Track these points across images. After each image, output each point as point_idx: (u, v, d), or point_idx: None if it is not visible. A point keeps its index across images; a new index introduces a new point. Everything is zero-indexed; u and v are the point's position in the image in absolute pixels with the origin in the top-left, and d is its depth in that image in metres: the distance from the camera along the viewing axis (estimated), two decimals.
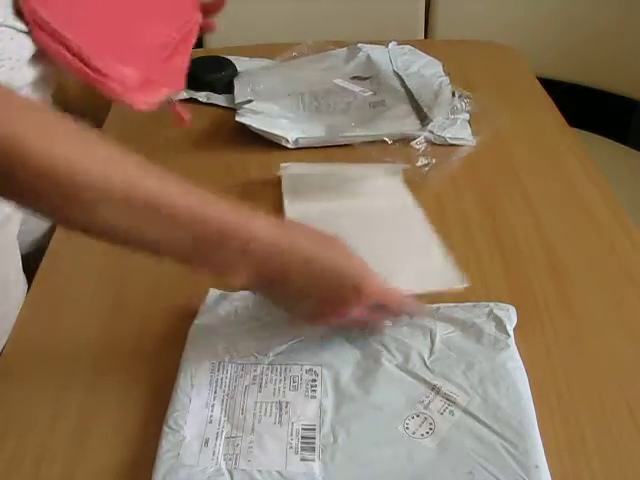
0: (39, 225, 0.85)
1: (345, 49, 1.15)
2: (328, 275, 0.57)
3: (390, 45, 1.16)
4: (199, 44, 1.48)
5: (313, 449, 0.55)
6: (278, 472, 0.53)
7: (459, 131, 0.96)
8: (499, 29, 1.45)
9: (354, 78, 1.08)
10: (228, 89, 1.06)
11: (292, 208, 0.81)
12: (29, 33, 0.62)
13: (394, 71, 1.09)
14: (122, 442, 0.58)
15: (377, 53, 1.13)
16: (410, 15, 1.48)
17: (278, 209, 0.82)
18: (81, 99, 1.50)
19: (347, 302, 0.58)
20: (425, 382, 0.59)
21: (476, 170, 0.90)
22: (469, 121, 0.98)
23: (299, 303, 0.59)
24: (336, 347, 0.63)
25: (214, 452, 0.55)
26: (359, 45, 1.14)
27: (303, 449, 0.55)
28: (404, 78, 1.07)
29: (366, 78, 1.08)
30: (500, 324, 0.64)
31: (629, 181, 1.27)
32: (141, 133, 0.98)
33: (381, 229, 0.78)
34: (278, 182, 0.86)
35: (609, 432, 0.57)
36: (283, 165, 0.86)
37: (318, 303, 0.58)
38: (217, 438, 0.56)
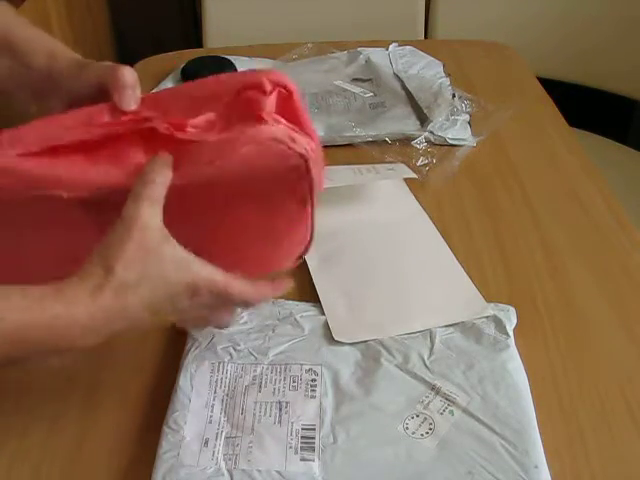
0: None
1: (346, 52, 1.15)
2: (161, 301, 0.51)
3: (390, 47, 1.16)
4: (199, 44, 1.49)
5: (313, 449, 0.55)
6: (278, 472, 0.53)
7: (459, 132, 0.96)
8: (499, 29, 1.45)
9: (354, 80, 1.08)
10: None
11: None
12: None
13: (394, 73, 1.09)
14: (122, 442, 0.58)
15: (377, 55, 1.13)
16: (410, 15, 1.47)
17: None
18: None
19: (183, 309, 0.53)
20: (425, 382, 0.59)
21: (476, 170, 0.90)
22: (469, 122, 0.98)
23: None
24: (336, 347, 0.63)
25: (214, 452, 0.55)
26: (359, 49, 1.15)
27: (303, 449, 0.55)
28: (404, 80, 1.07)
29: (366, 80, 1.08)
30: (500, 325, 0.64)
31: (629, 181, 1.27)
32: None
33: (400, 247, 0.77)
34: None
35: (609, 432, 0.57)
36: None
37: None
38: (217, 438, 0.56)
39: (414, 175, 0.85)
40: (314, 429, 0.56)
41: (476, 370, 0.60)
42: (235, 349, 0.62)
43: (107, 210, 0.51)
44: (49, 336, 0.47)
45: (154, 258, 0.49)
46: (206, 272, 0.52)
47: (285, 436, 0.56)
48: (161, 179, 0.51)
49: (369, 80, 1.08)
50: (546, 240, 0.78)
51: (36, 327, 0.46)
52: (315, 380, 0.60)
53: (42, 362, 0.50)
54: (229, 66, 1.09)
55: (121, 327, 0.50)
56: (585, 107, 1.46)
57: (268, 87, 0.54)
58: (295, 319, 0.66)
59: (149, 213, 0.50)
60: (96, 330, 0.49)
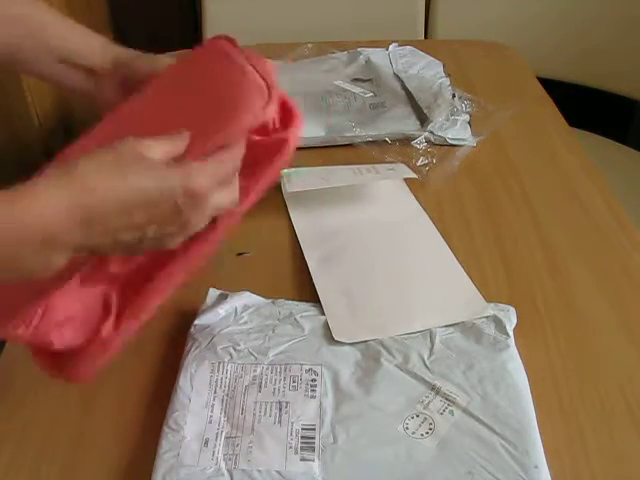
0: None
1: (345, 53, 1.15)
2: (148, 204, 0.46)
3: (390, 47, 1.16)
4: (199, 44, 1.49)
5: (313, 449, 0.55)
6: (278, 472, 0.53)
7: (459, 132, 0.96)
8: (499, 29, 1.45)
9: (355, 80, 1.08)
10: None
11: (300, 222, 0.81)
12: None
13: (394, 73, 1.09)
14: (122, 442, 0.58)
15: (377, 56, 1.13)
16: (410, 15, 1.47)
17: (281, 209, 0.82)
18: (81, 99, 1.50)
19: (187, 214, 0.48)
20: (425, 382, 0.59)
21: (476, 170, 0.90)
22: (469, 122, 0.98)
23: (141, 246, 0.49)
24: (336, 347, 0.63)
25: (214, 452, 0.55)
26: (359, 49, 1.15)
27: (303, 449, 0.55)
28: (404, 80, 1.07)
29: (366, 80, 1.08)
30: (500, 325, 0.64)
31: (629, 181, 1.27)
32: None
33: (400, 247, 0.77)
34: (279, 184, 0.85)
35: (609, 432, 0.57)
36: (284, 171, 0.86)
37: (161, 238, 0.49)
38: (217, 438, 0.56)
39: (414, 175, 0.85)
40: (314, 429, 0.56)
41: (476, 370, 0.60)
42: (235, 349, 0.62)
43: None
44: (23, 236, 0.43)
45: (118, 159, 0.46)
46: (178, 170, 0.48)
47: (285, 436, 0.56)
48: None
49: (369, 80, 1.08)
50: (546, 240, 0.78)
51: None
52: (315, 380, 0.60)
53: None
54: None
55: (101, 219, 0.45)
56: (585, 107, 1.46)
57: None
58: (295, 319, 0.66)
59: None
60: (72, 219, 0.44)
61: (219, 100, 0.53)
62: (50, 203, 0.44)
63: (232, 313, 0.66)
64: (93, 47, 0.62)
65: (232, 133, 0.52)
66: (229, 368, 0.61)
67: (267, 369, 0.61)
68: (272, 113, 0.54)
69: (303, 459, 0.54)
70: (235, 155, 0.52)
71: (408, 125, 0.97)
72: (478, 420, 0.56)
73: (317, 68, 1.12)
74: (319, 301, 0.68)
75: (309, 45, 1.18)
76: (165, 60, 0.60)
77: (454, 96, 1.02)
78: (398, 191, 0.85)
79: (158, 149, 0.48)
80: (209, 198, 0.48)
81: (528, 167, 0.91)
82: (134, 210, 0.46)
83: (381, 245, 0.77)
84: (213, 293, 0.68)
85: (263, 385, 0.59)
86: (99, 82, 0.63)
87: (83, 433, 0.59)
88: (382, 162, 0.90)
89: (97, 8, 1.72)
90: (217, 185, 0.49)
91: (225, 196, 0.51)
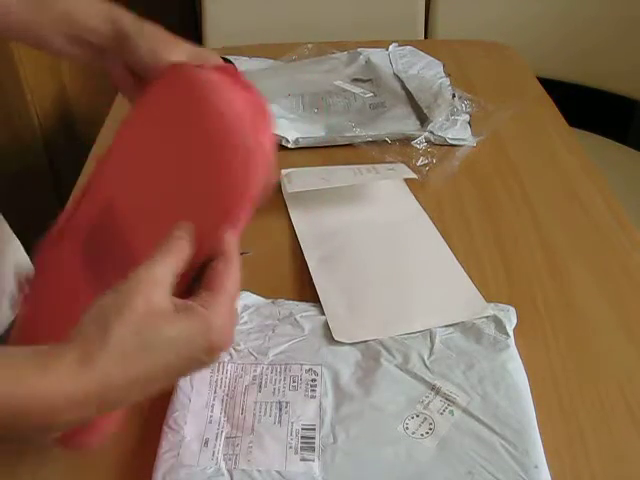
0: None
1: (345, 53, 1.15)
2: (172, 372, 0.46)
3: (390, 47, 1.16)
4: (199, 44, 1.49)
5: (313, 449, 0.55)
6: (278, 472, 0.53)
7: (459, 132, 0.96)
8: (499, 29, 1.45)
9: (354, 80, 1.08)
10: None
11: (300, 222, 0.81)
12: None
13: (394, 73, 1.09)
14: (122, 442, 0.58)
15: (377, 56, 1.14)
16: (410, 15, 1.48)
17: (281, 209, 0.82)
18: (81, 99, 1.50)
19: (210, 358, 0.47)
20: (425, 382, 0.59)
21: (476, 170, 0.90)
22: (469, 122, 0.98)
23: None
24: (336, 347, 0.63)
25: (214, 452, 0.55)
26: (359, 49, 1.15)
27: (303, 449, 0.55)
28: (404, 80, 1.07)
29: (366, 80, 1.08)
30: (500, 325, 0.64)
31: (629, 181, 1.27)
32: None
33: (400, 247, 0.77)
34: (279, 184, 0.85)
35: (609, 432, 0.57)
36: (284, 172, 0.86)
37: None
38: (217, 438, 0.56)
39: (414, 175, 0.85)
40: (314, 429, 0.56)
41: (476, 370, 0.60)
42: (235, 349, 0.62)
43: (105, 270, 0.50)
44: (26, 411, 0.40)
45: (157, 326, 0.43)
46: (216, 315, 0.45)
47: (285, 436, 0.56)
48: (180, 255, 0.47)
49: (369, 80, 1.08)
50: (546, 240, 0.78)
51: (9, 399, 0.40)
52: (315, 380, 0.60)
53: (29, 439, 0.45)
54: None
55: (117, 400, 0.44)
56: (585, 107, 1.46)
57: None
58: (295, 319, 0.66)
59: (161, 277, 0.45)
60: (85, 405, 0.42)
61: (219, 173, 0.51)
62: (63, 393, 0.40)
63: None
64: (97, 20, 0.59)
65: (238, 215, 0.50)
66: (229, 368, 0.61)
67: (267, 369, 0.61)
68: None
69: (303, 459, 0.54)
70: (236, 275, 0.49)
71: (408, 125, 0.97)
72: (478, 420, 0.56)
73: (317, 68, 1.12)
74: (319, 301, 0.68)
75: (309, 45, 1.18)
76: (164, 57, 0.57)
77: (454, 96, 1.02)
78: (398, 191, 0.85)
79: (166, 280, 0.45)
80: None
81: (528, 167, 0.91)
82: (155, 381, 0.45)
83: (381, 245, 0.77)
84: None
85: (263, 385, 0.59)
86: (107, 60, 0.60)
87: None
88: (382, 162, 0.90)
89: None
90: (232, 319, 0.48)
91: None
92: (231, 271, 0.48)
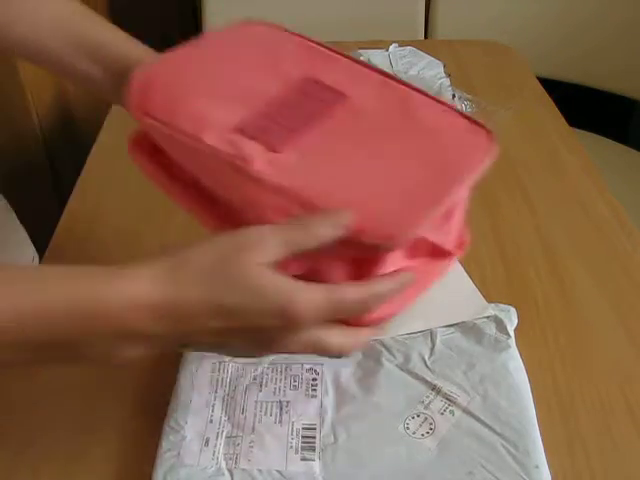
0: None
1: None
2: (238, 316, 0.43)
3: (391, 48, 1.16)
4: None
5: (313, 448, 0.55)
6: (278, 472, 0.53)
7: None
8: (499, 29, 1.45)
9: None
10: None
11: None
12: None
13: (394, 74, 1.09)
14: (122, 441, 0.58)
15: (377, 57, 1.13)
16: (410, 15, 1.48)
17: None
18: (81, 99, 1.50)
19: (276, 337, 0.45)
20: (425, 382, 0.59)
21: None
22: None
23: (223, 350, 0.48)
24: None
25: (214, 452, 0.55)
26: (359, 51, 1.15)
27: (303, 448, 0.55)
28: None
29: None
30: (500, 325, 0.64)
31: (629, 181, 1.27)
32: None
33: None
34: None
35: (609, 432, 0.58)
36: None
37: (245, 347, 0.46)
38: (217, 438, 0.56)
39: None
40: (315, 429, 0.56)
41: (477, 370, 0.60)
42: None
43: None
44: (94, 314, 0.41)
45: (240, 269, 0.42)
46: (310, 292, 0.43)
47: (286, 436, 0.56)
48: (316, 238, 0.44)
49: None
50: (546, 240, 0.78)
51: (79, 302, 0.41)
52: (316, 379, 0.60)
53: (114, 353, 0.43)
54: None
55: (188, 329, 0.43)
56: (585, 107, 1.46)
57: None
58: None
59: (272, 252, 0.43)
60: (155, 318, 0.42)
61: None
62: (137, 296, 0.41)
63: None
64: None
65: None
66: (230, 368, 0.61)
67: (268, 369, 0.61)
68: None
69: (304, 459, 0.54)
70: (375, 292, 0.45)
71: None
72: (479, 420, 0.56)
73: None
74: None
75: None
76: None
77: (454, 96, 1.02)
78: None
79: (272, 251, 0.43)
80: (308, 330, 0.44)
81: (528, 167, 0.91)
82: (222, 320, 0.43)
83: None
84: None
85: (264, 384, 0.60)
86: None
87: (83, 433, 0.59)
88: None
89: (97, 9, 1.72)
90: (325, 322, 0.44)
91: (336, 338, 0.45)
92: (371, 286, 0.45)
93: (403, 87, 0.56)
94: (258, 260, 0.43)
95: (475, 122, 0.53)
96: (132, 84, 0.55)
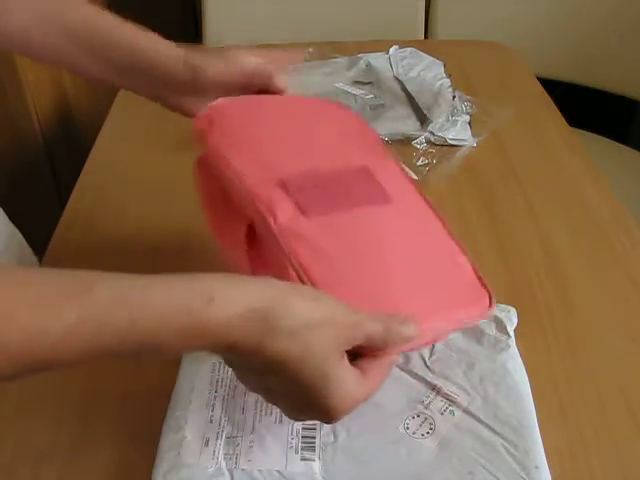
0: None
1: (346, 58, 1.15)
2: (299, 384, 0.44)
3: (391, 50, 1.16)
4: (199, 44, 1.49)
5: (313, 449, 0.55)
6: (278, 472, 0.53)
7: (459, 132, 0.96)
8: (499, 29, 1.45)
9: (355, 83, 1.09)
10: None
11: None
12: None
13: (394, 76, 1.09)
14: (122, 441, 0.58)
15: (378, 60, 1.14)
16: (410, 15, 1.48)
17: None
18: (81, 99, 1.50)
19: (309, 415, 0.48)
20: (426, 382, 0.59)
21: (476, 170, 0.90)
22: (469, 122, 0.98)
23: (263, 393, 0.49)
24: None
25: (214, 451, 0.55)
26: (360, 55, 1.15)
27: (303, 449, 0.55)
28: (404, 82, 1.07)
29: (367, 83, 1.08)
30: (501, 325, 0.64)
31: (629, 181, 1.27)
32: (142, 132, 0.98)
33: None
34: None
35: (609, 432, 0.58)
36: None
37: (284, 405, 0.48)
38: (217, 438, 0.56)
39: (414, 175, 0.85)
40: (315, 429, 0.56)
41: (477, 370, 0.60)
42: None
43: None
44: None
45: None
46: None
47: (286, 436, 0.56)
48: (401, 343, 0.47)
49: (369, 83, 1.08)
50: (546, 240, 0.78)
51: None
52: None
53: None
54: None
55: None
56: (585, 107, 1.46)
57: None
58: None
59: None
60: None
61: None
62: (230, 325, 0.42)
63: None
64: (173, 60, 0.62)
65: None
66: (230, 368, 0.61)
67: None
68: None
69: (304, 459, 0.54)
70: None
71: (408, 125, 0.97)
72: (479, 420, 0.56)
73: (319, 71, 1.12)
74: None
75: (310, 49, 1.18)
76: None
77: (454, 97, 1.02)
78: None
79: (356, 338, 0.46)
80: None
81: (528, 167, 0.91)
82: (278, 380, 0.45)
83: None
84: None
85: None
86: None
87: (83, 433, 0.59)
88: None
89: (94, 3, 1.72)
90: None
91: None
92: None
93: (438, 220, 0.58)
94: (341, 343, 0.45)
95: (481, 281, 0.56)
96: (206, 112, 0.59)
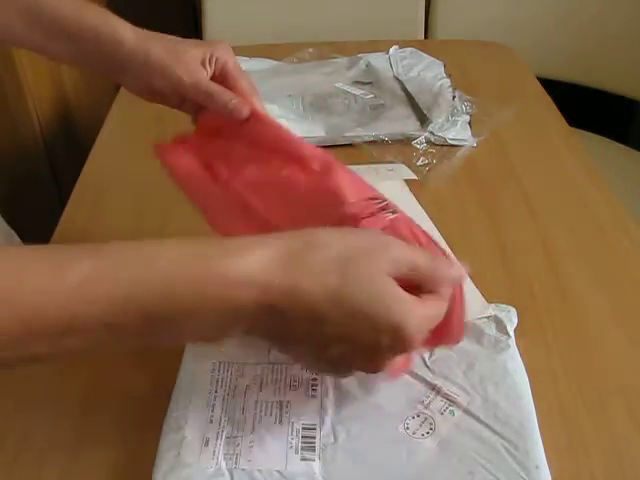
0: None
1: (346, 58, 1.15)
2: (350, 316, 0.41)
3: (391, 50, 1.16)
4: None
5: (313, 449, 0.55)
6: (278, 472, 0.53)
7: (459, 132, 0.96)
8: (499, 29, 1.45)
9: (355, 83, 1.09)
10: None
11: None
12: None
13: (394, 76, 1.10)
14: (122, 442, 0.58)
15: (378, 60, 1.14)
16: (410, 15, 1.48)
17: None
18: (81, 99, 1.50)
19: (384, 352, 0.44)
20: (425, 382, 0.59)
21: (476, 170, 0.90)
22: (469, 122, 0.98)
23: (316, 359, 0.46)
24: None
25: (214, 452, 0.55)
26: (360, 55, 1.15)
27: (303, 449, 0.55)
28: (404, 82, 1.07)
29: (367, 83, 1.09)
30: (500, 325, 0.64)
31: (629, 181, 1.27)
32: (141, 132, 0.98)
33: None
34: None
35: (609, 432, 0.57)
36: None
37: (341, 357, 0.44)
38: (217, 438, 0.56)
39: (414, 176, 0.85)
40: (315, 429, 0.56)
41: (477, 370, 0.60)
42: (236, 348, 0.62)
43: None
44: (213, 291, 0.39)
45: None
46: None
47: (286, 436, 0.56)
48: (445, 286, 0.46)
49: (369, 83, 1.09)
50: (546, 240, 0.78)
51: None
52: (316, 379, 0.60)
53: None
54: None
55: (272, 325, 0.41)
56: (585, 107, 1.46)
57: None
58: None
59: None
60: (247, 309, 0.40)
61: None
62: (253, 273, 0.40)
63: None
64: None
65: None
66: (230, 367, 0.61)
67: (268, 368, 0.61)
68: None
69: (304, 459, 0.54)
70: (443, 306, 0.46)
71: (408, 125, 0.97)
72: (479, 420, 0.56)
73: (318, 71, 1.12)
74: None
75: (310, 49, 1.18)
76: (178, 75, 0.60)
77: (454, 97, 1.02)
78: (399, 192, 0.85)
79: (398, 265, 0.43)
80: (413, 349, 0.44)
81: (528, 167, 0.91)
82: (329, 324, 0.42)
83: None
84: None
85: (264, 384, 0.60)
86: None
87: (83, 432, 0.59)
88: (382, 162, 0.90)
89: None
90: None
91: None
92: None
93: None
94: (384, 267, 0.42)
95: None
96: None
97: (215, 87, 0.60)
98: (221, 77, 0.61)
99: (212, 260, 0.40)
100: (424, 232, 0.52)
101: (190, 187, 0.60)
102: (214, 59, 0.61)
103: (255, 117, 0.59)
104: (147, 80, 0.61)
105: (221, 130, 0.60)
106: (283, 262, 0.40)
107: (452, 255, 0.53)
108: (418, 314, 0.43)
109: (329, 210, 0.51)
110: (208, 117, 0.62)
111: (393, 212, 0.51)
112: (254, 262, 0.40)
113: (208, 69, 0.60)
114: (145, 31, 0.62)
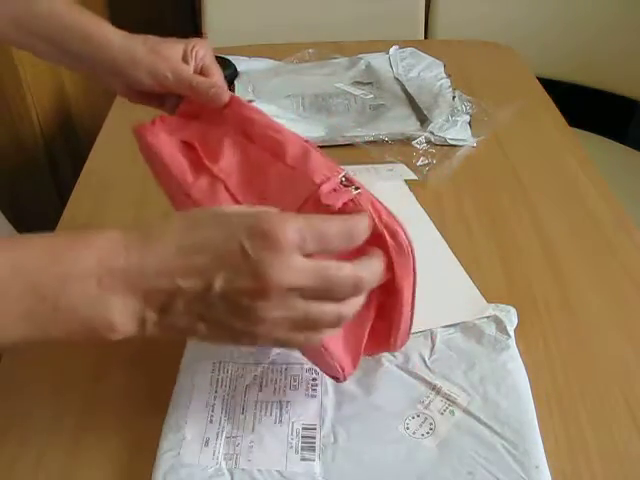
0: None
1: (346, 58, 1.15)
2: (206, 248, 0.42)
3: (391, 50, 1.16)
4: None
5: (313, 449, 0.55)
6: (278, 472, 0.53)
7: (459, 132, 0.96)
8: (499, 29, 1.45)
9: (355, 83, 1.09)
10: (228, 89, 1.06)
11: None
12: None
13: (394, 77, 1.10)
14: (122, 442, 0.58)
15: (378, 60, 1.14)
16: (410, 15, 1.48)
17: None
18: (81, 99, 1.50)
19: (258, 263, 0.41)
20: (425, 382, 0.59)
21: (476, 170, 0.90)
22: (469, 122, 0.98)
23: (215, 321, 0.44)
24: None
25: (214, 451, 0.55)
26: (360, 55, 1.15)
27: (303, 449, 0.55)
28: (404, 83, 1.07)
29: (367, 83, 1.09)
30: (500, 325, 0.64)
31: (629, 181, 1.27)
32: None
33: None
34: None
35: (609, 432, 0.57)
36: None
37: (220, 319, 0.43)
38: (217, 438, 0.56)
39: (414, 176, 0.85)
40: (315, 429, 0.56)
41: (477, 370, 0.60)
42: (236, 348, 0.62)
43: None
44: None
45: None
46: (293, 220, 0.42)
47: (286, 436, 0.56)
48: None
49: (369, 83, 1.09)
50: (546, 240, 0.78)
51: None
52: (316, 379, 0.60)
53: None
54: (229, 66, 1.09)
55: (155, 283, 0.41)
56: (585, 107, 1.46)
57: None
58: None
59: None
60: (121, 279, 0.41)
61: None
62: (113, 236, 0.43)
63: None
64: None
65: None
66: (230, 367, 0.61)
67: (268, 368, 0.61)
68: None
69: (304, 459, 0.54)
70: (350, 229, 0.45)
71: (408, 125, 0.97)
72: (479, 420, 0.56)
73: (318, 71, 1.12)
74: None
75: (310, 50, 1.18)
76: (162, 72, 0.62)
77: (454, 97, 1.02)
78: (399, 192, 0.85)
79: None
80: (290, 247, 0.41)
81: (528, 167, 0.91)
82: (193, 254, 0.42)
83: None
84: None
85: (264, 384, 0.60)
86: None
87: (83, 432, 0.59)
88: (382, 162, 0.90)
89: (96, 10, 1.72)
90: (307, 241, 0.42)
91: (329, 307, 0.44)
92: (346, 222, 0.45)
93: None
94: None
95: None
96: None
97: (197, 77, 0.63)
98: (200, 70, 0.65)
99: (68, 240, 0.43)
100: (386, 208, 0.52)
101: (162, 168, 0.62)
102: (194, 53, 0.64)
103: (234, 102, 0.62)
104: (135, 80, 0.64)
105: (200, 116, 0.63)
106: (127, 242, 0.43)
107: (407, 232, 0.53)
108: (282, 219, 0.42)
109: (298, 189, 0.52)
110: (187, 105, 0.64)
111: (356, 188, 0.52)
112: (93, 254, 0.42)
113: (190, 63, 0.64)
114: (129, 34, 0.65)
